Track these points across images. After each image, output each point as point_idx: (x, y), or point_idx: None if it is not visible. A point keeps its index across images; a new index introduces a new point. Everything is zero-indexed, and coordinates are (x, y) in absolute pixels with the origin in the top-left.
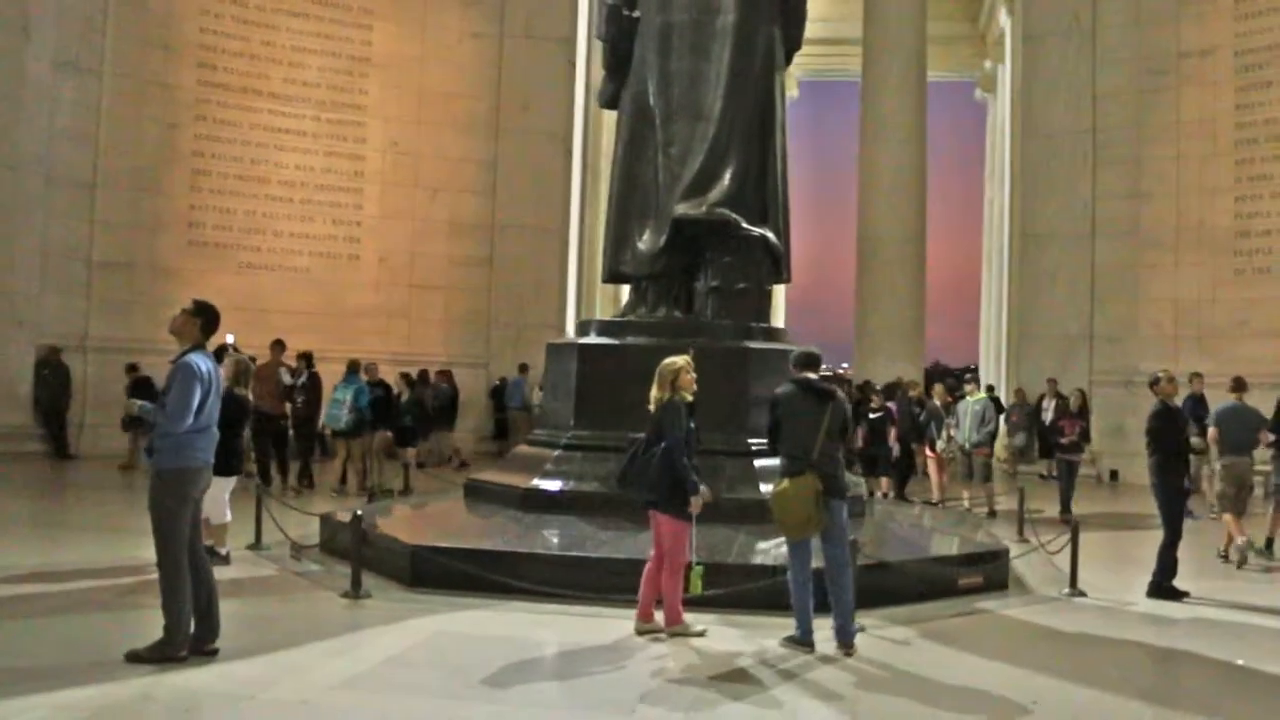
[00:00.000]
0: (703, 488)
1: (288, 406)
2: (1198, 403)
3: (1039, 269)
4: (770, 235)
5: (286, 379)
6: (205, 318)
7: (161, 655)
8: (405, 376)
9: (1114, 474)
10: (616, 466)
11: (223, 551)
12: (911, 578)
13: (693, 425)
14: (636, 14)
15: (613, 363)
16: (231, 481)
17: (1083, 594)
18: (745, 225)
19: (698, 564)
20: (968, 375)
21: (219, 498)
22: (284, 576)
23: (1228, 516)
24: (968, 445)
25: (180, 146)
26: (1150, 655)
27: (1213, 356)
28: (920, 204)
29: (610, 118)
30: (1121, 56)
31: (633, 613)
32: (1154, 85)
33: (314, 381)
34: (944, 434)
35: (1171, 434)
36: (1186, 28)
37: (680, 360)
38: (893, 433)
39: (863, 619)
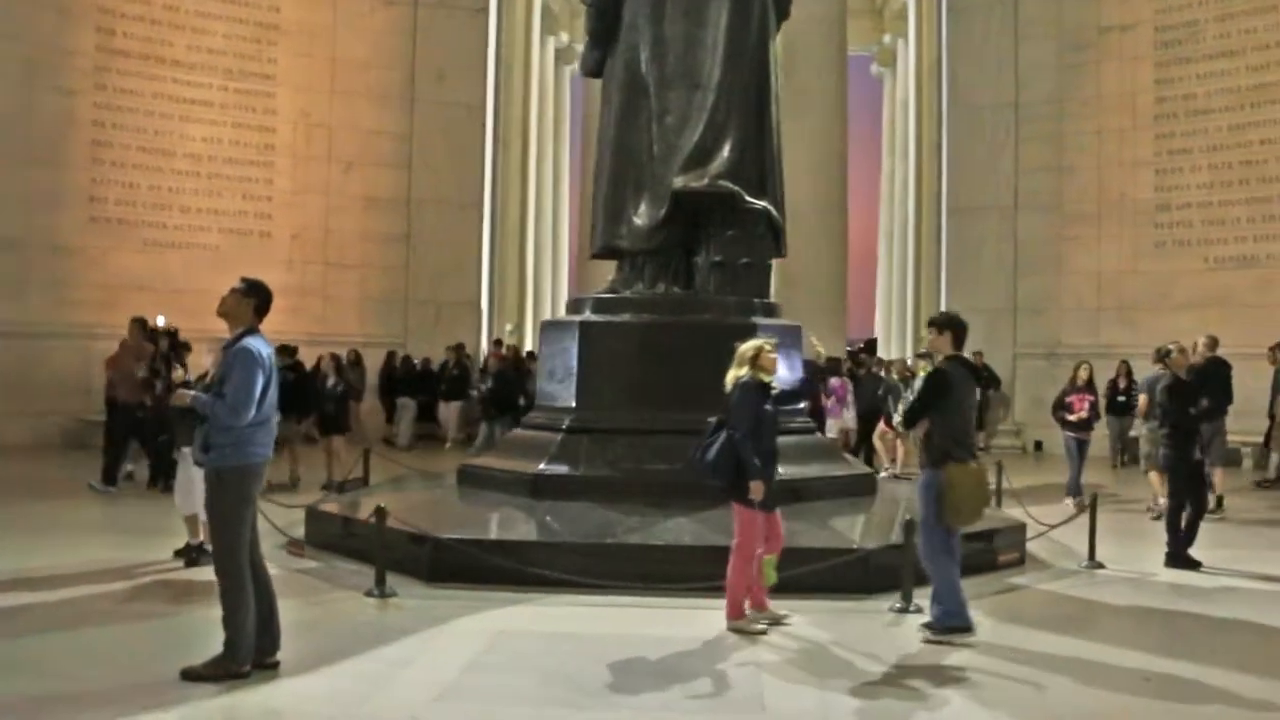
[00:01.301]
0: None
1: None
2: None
3: (964, 243)
4: (771, 209)
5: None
6: (259, 297)
7: (225, 672)
8: (335, 359)
9: (1038, 445)
10: (627, 449)
11: (209, 547)
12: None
13: (768, 407)
14: None
15: (617, 341)
16: None
17: (1101, 566)
18: (748, 199)
19: (767, 557)
20: (861, 348)
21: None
22: (289, 576)
23: (1153, 475)
24: None
25: (79, 116)
26: (1213, 626)
27: (1134, 328)
28: (842, 176)
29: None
30: (1043, 31)
31: (688, 601)
32: (1076, 60)
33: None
34: (900, 408)
35: (1182, 406)
36: (1108, 3)
37: (762, 339)
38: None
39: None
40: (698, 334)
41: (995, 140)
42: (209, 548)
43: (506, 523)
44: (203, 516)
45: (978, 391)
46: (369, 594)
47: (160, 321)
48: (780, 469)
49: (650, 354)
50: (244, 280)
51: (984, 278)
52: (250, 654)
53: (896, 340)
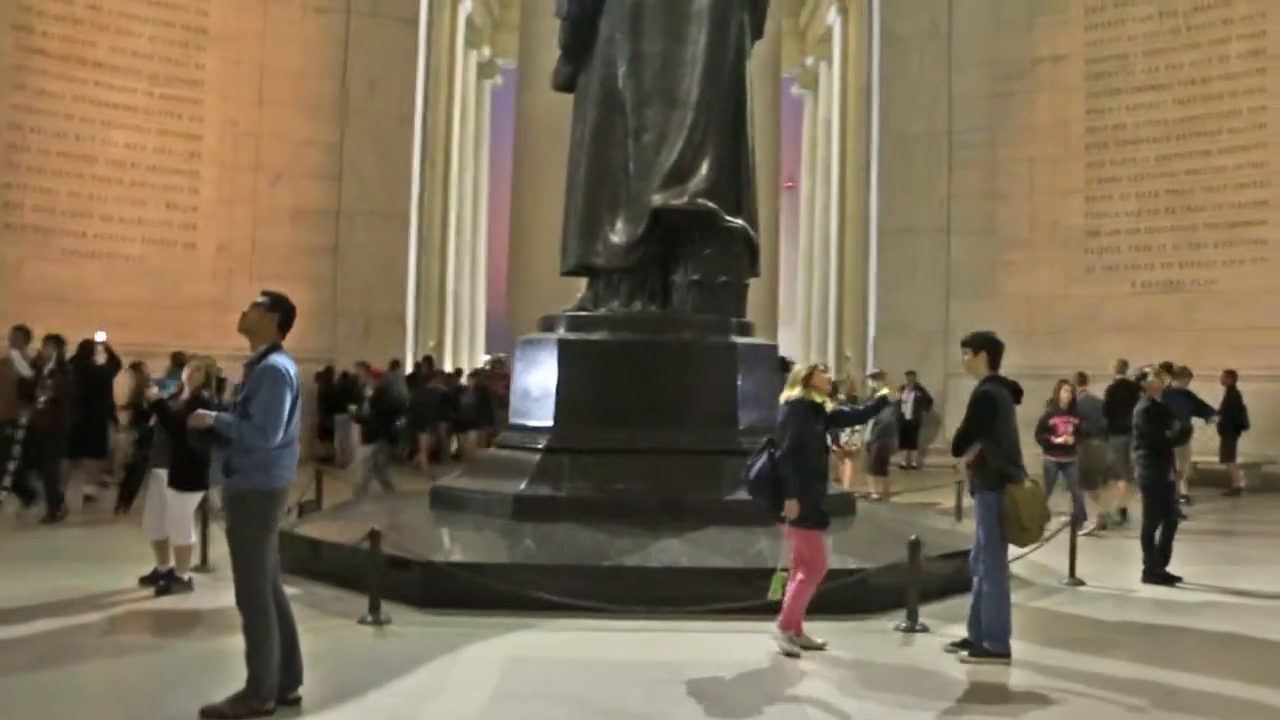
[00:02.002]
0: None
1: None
2: (1182, 397)
3: (896, 265)
4: (749, 228)
5: (24, 371)
6: (282, 312)
7: (248, 710)
8: None
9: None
10: (608, 469)
11: (185, 577)
12: (947, 572)
13: (818, 427)
14: None
15: (596, 360)
16: (197, 498)
17: (1083, 583)
18: (727, 217)
19: (781, 570)
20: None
21: (183, 516)
22: None
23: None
24: (869, 437)
25: None
26: (1214, 641)
27: (1065, 350)
28: (774, 201)
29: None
30: (977, 61)
31: (694, 625)
32: (1009, 89)
33: (65, 376)
34: (861, 430)
35: (1159, 428)
36: (1040, 35)
37: (816, 361)
38: None
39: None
40: (678, 353)
41: (929, 166)
42: (183, 575)
43: (495, 546)
44: (175, 541)
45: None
46: (362, 621)
47: (100, 337)
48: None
49: (630, 373)
50: (266, 294)
51: (916, 299)
52: (274, 691)
53: (814, 357)
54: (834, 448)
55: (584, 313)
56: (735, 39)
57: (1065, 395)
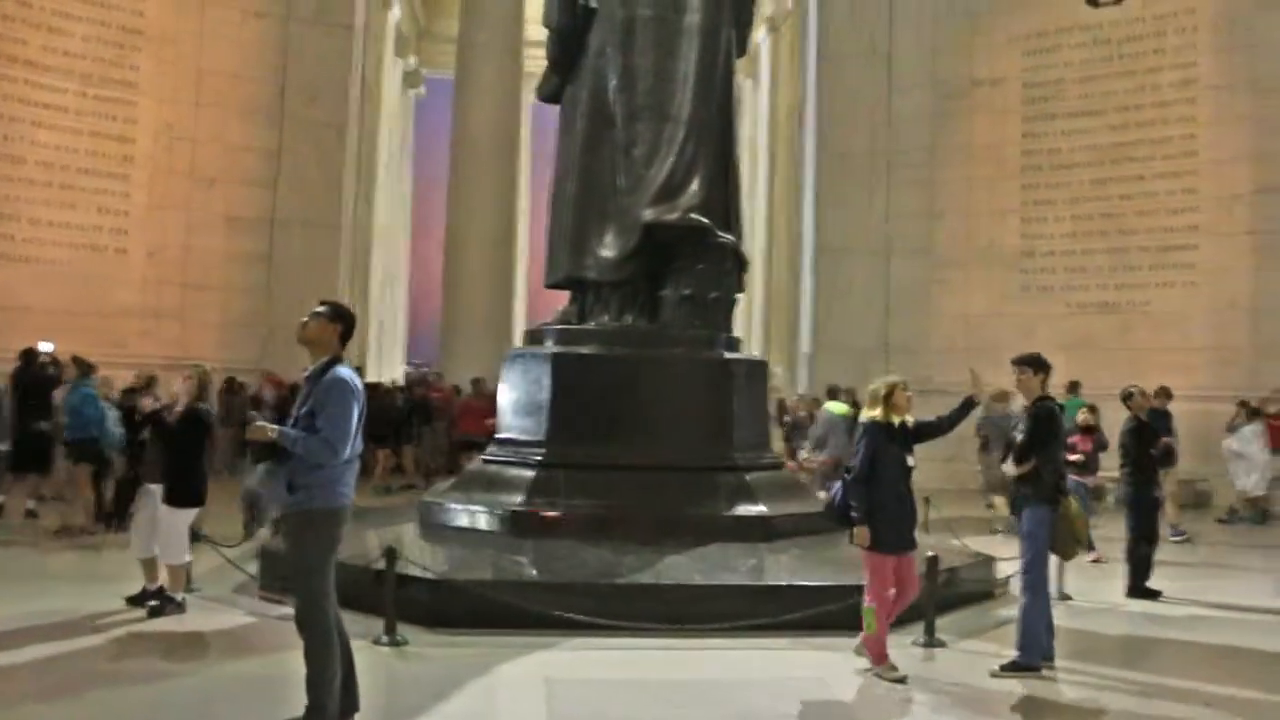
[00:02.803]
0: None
1: None
2: (1163, 417)
3: (834, 283)
4: (738, 244)
5: None
6: (345, 323)
7: None
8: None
9: None
10: (604, 485)
11: (179, 598)
12: (964, 585)
13: (896, 448)
14: (594, 3)
15: (590, 374)
16: (192, 514)
17: (1070, 598)
18: (719, 233)
19: (869, 605)
20: None
21: (177, 534)
22: (271, 624)
23: (997, 499)
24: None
25: None
26: (1218, 652)
27: (1000, 368)
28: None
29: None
30: (916, 81)
31: (720, 642)
32: (947, 110)
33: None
34: (807, 444)
35: (1144, 447)
36: (978, 58)
37: (895, 377)
38: None
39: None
40: (673, 368)
41: (867, 184)
42: (176, 596)
43: (503, 564)
44: (167, 560)
45: None
46: (378, 642)
47: (46, 347)
48: (761, 507)
49: (624, 387)
50: (326, 304)
51: (854, 317)
52: (335, 716)
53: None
54: (790, 464)
55: (574, 326)
56: (725, 56)
57: (1084, 415)
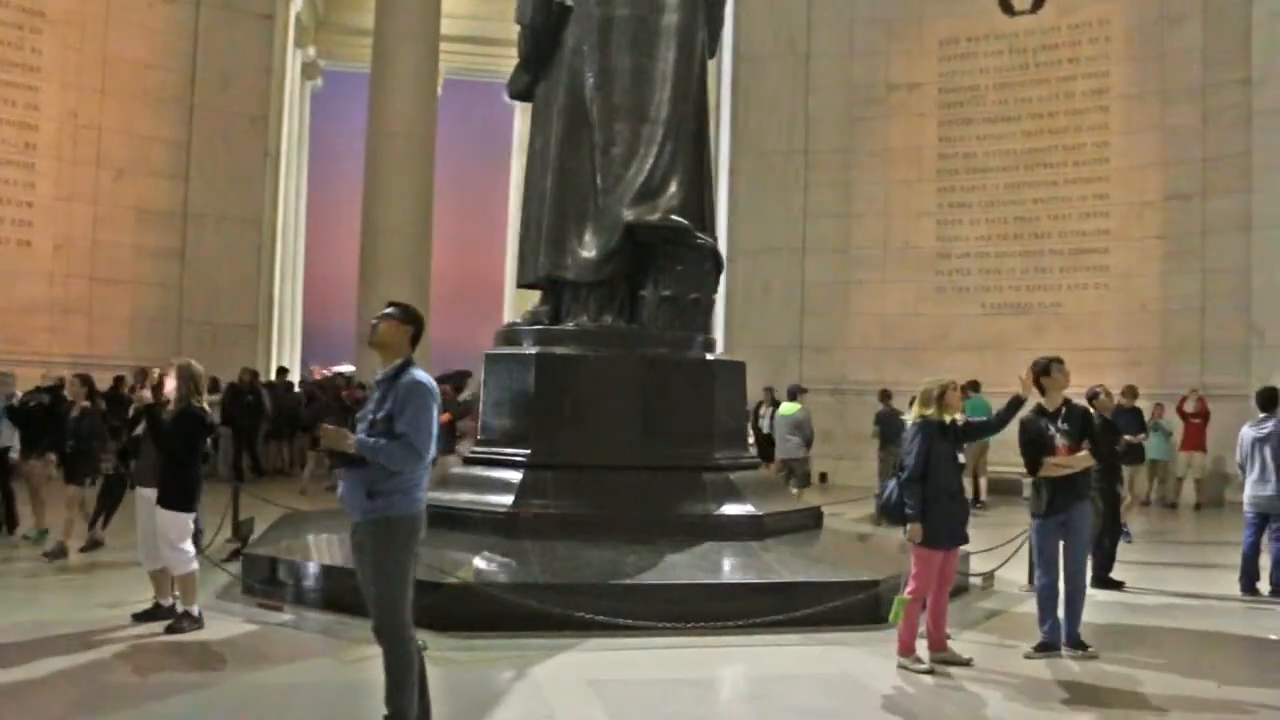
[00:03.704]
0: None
1: None
2: (1131, 415)
3: (751, 283)
4: (716, 245)
5: None
6: (416, 326)
7: None
8: (86, 381)
9: (823, 476)
10: (594, 485)
11: (195, 612)
12: None
13: (947, 446)
14: (569, 1)
15: (575, 375)
16: (191, 519)
17: None
18: (698, 234)
19: (903, 596)
20: None
21: (179, 540)
22: (278, 632)
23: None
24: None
25: None
26: (1209, 639)
27: (916, 367)
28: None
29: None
30: (834, 83)
31: (741, 640)
32: (865, 114)
33: None
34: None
35: (1107, 444)
36: (895, 62)
37: (948, 377)
38: None
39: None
40: (656, 368)
41: (785, 185)
42: (193, 611)
43: (509, 566)
44: (175, 570)
45: None
46: None
47: None
48: (749, 506)
49: (609, 388)
50: (395, 306)
51: (771, 316)
52: None
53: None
54: None
55: (553, 326)
56: (700, 59)
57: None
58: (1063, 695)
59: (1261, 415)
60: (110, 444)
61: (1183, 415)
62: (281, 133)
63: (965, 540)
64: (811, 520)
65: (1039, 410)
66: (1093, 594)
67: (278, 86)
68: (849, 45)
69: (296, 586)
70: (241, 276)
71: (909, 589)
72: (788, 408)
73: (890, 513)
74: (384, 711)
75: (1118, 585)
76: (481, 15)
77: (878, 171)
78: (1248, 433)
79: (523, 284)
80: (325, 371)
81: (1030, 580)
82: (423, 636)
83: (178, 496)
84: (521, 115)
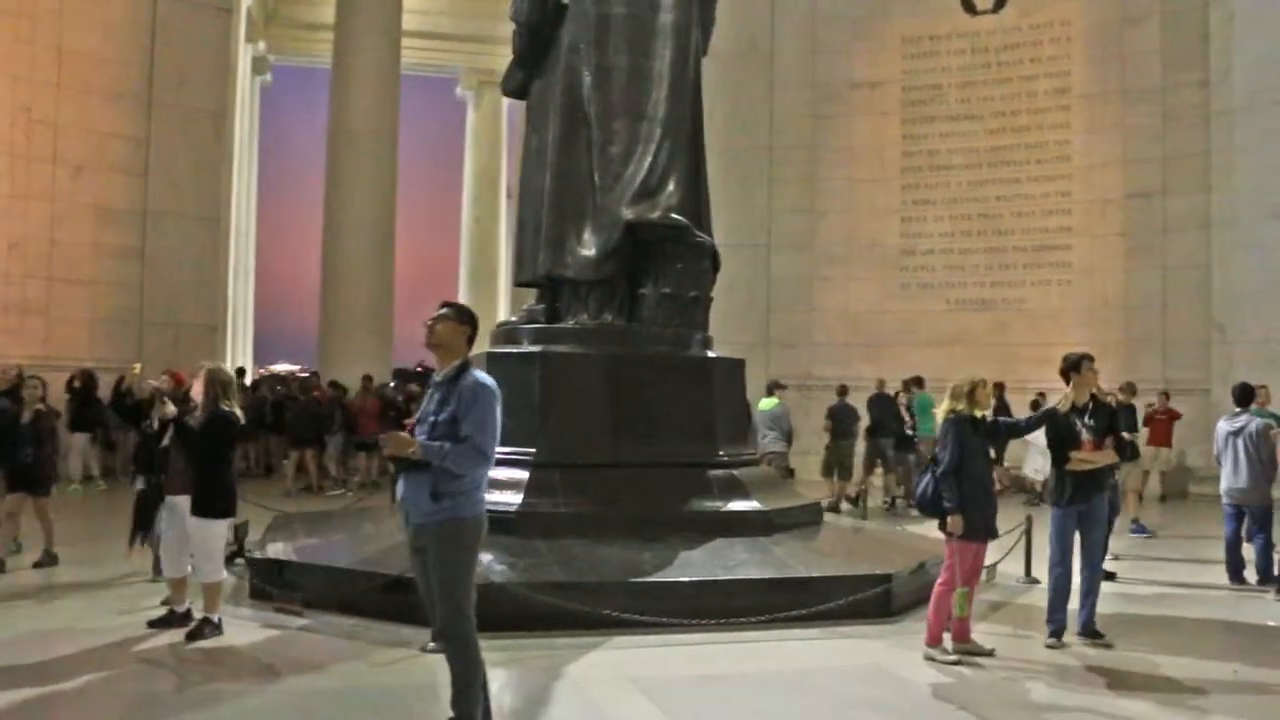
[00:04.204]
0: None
1: None
2: (1128, 411)
3: (719, 278)
4: (713, 243)
5: None
6: (473, 326)
7: None
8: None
9: (790, 472)
10: (601, 484)
11: (215, 618)
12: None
13: (979, 441)
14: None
15: (581, 373)
16: (224, 526)
17: (1038, 581)
18: (697, 232)
19: (962, 589)
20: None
21: (212, 548)
22: (303, 637)
23: (836, 481)
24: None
25: None
26: (1215, 627)
27: (880, 363)
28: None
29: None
30: (798, 81)
31: (770, 634)
32: (829, 111)
33: None
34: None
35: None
36: (858, 61)
37: (979, 375)
38: None
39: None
40: (660, 366)
41: (751, 182)
42: (214, 617)
43: (527, 564)
44: (203, 578)
45: None
46: (426, 649)
47: None
48: (755, 502)
49: (614, 386)
50: (450, 306)
51: (736, 312)
52: None
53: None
54: None
55: (553, 325)
56: (694, 57)
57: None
58: (1102, 681)
59: (1237, 410)
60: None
61: (1149, 418)
62: (234, 129)
63: (996, 535)
64: (814, 515)
65: (1067, 405)
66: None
67: (233, 82)
68: (812, 43)
69: (308, 589)
70: (202, 276)
71: (941, 580)
72: (766, 403)
73: (927, 506)
74: (449, 715)
75: (1110, 576)
76: (433, 10)
77: (842, 168)
78: (1223, 426)
79: (520, 282)
80: (297, 372)
81: (1027, 573)
82: (415, 635)
83: (212, 504)
84: (474, 110)
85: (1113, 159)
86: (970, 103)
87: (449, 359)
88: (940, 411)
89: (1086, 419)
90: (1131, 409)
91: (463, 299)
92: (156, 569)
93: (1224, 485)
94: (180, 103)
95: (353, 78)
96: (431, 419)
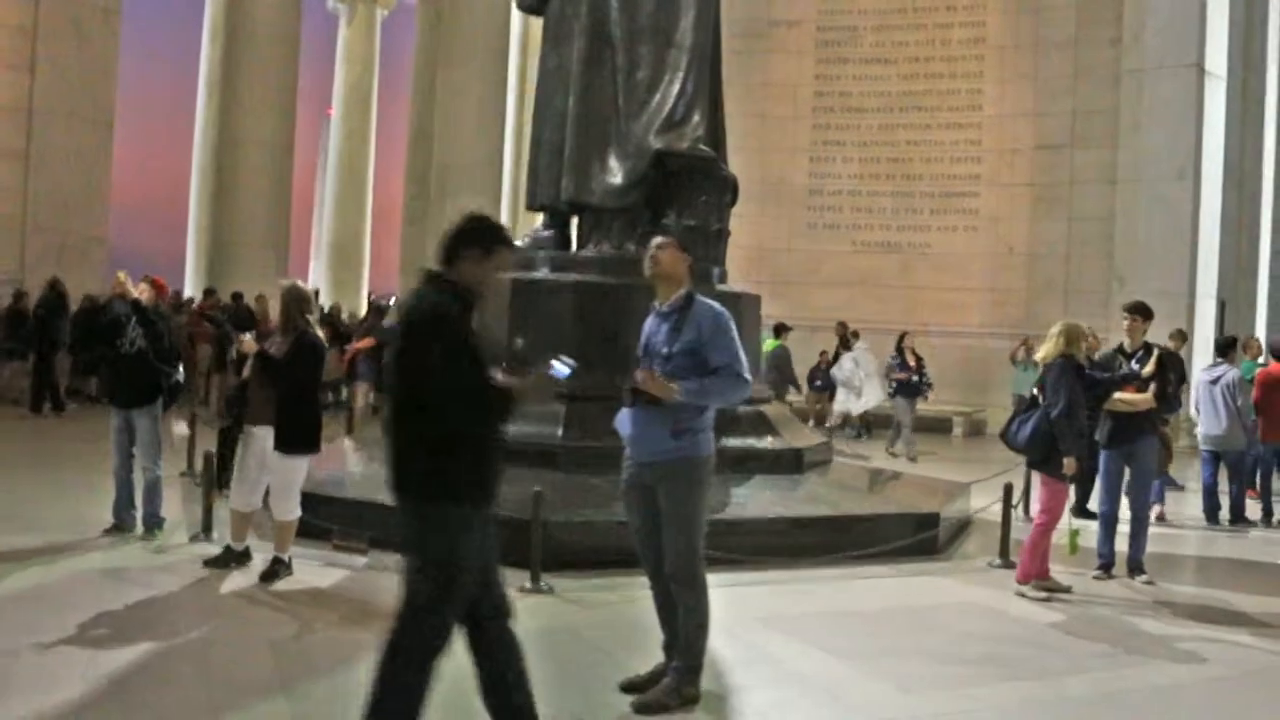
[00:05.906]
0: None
1: None
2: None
3: None
4: (735, 177)
5: None
6: (691, 256)
7: (682, 700)
8: None
9: None
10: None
11: (285, 558)
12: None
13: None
14: None
15: (614, 304)
16: (305, 463)
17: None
18: (722, 165)
19: (1075, 529)
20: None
21: (291, 485)
22: (375, 576)
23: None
24: None
25: None
26: (1234, 565)
27: (786, 301)
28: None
29: None
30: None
31: (851, 570)
32: (746, 48)
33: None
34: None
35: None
36: None
37: (1082, 323)
38: None
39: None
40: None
41: None
42: (283, 556)
43: (587, 501)
44: (279, 516)
45: None
46: (524, 590)
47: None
48: (784, 440)
49: (637, 318)
50: (667, 235)
51: None
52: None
53: None
54: None
55: (576, 253)
56: None
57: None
58: (1190, 613)
59: (1216, 360)
60: None
61: None
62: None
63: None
64: (828, 453)
65: (1119, 349)
66: (1087, 524)
67: None
68: None
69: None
70: (94, 184)
71: (1039, 522)
72: (769, 344)
73: (1034, 446)
74: (675, 662)
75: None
76: None
77: (755, 105)
78: (1202, 376)
79: (537, 206)
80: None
81: (1026, 512)
82: (519, 577)
83: (298, 438)
84: (347, 25)
85: (1023, 110)
86: (885, 46)
87: (672, 289)
88: (1041, 355)
89: (1134, 364)
90: (1178, 358)
91: (328, 214)
92: (118, 515)
93: (1201, 431)
94: None
95: None
96: (665, 350)
